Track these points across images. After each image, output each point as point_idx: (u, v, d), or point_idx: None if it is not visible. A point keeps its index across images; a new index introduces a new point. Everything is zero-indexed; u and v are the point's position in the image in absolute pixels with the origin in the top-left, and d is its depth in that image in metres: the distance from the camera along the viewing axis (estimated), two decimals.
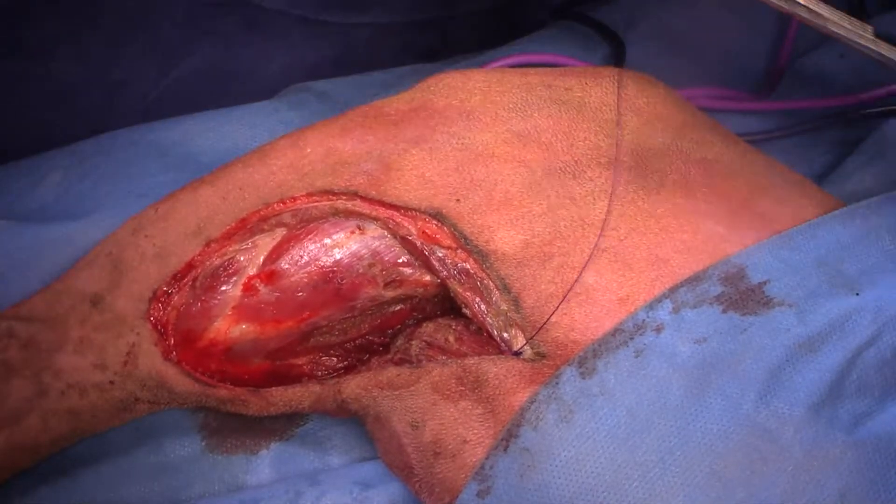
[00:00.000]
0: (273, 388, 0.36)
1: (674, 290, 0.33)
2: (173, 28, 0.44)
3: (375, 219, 0.36)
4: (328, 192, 0.37)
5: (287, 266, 0.36)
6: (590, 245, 0.34)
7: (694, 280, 0.33)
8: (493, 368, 0.33)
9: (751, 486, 0.29)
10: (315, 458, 0.38)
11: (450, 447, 0.33)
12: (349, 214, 0.37)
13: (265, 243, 0.37)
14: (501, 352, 0.34)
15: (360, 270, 0.36)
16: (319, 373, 0.37)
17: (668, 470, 0.29)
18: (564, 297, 0.33)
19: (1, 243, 0.39)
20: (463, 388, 0.33)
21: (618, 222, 0.35)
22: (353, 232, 0.37)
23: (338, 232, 0.37)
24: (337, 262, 0.36)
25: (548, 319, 0.33)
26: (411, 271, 0.37)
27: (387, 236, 0.37)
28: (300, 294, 0.36)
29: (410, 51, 0.52)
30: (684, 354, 0.31)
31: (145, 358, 0.36)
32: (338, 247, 0.36)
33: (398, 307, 0.37)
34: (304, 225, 0.37)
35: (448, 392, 0.33)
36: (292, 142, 0.38)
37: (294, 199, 0.37)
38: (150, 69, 0.46)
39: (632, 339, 0.32)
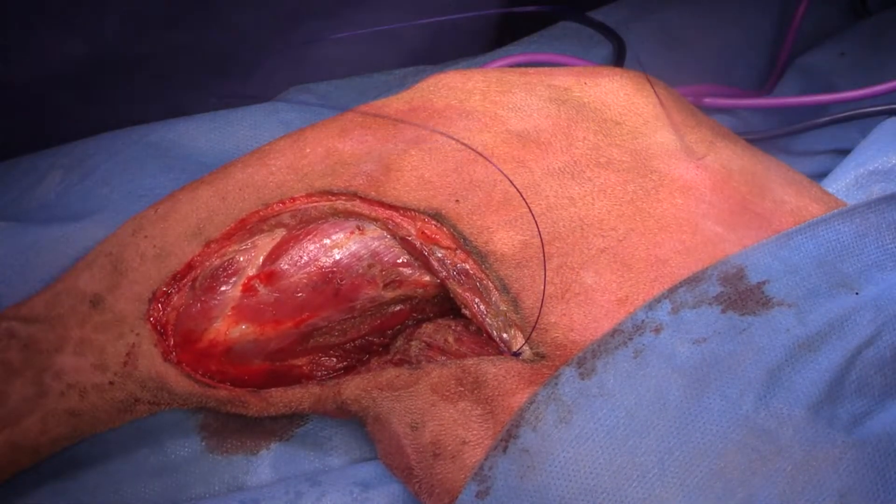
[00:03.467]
0: (273, 389, 0.36)
1: (673, 290, 0.33)
2: None
3: (375, 219, 0.36)
4: (327, 193, 0.37)
5: (286, 267, 0.36)
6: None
7: (693, 280, 0.33)
8: (493, 369, 0.33)
9: (750, 486, 0.29)
10: (315, 459, 0.38)
11: (449, 448, 0.33)
12: (349, 215, 0.36)
13: (265, 244, 0.37)
14: (501, 352, 0.34)
15: (360, 271, 0.36)
16: (319, 374, 0.37)
17: (667, 471, 0.29)
18: (544, 300, 0.33)
19: (1, 243, 0.39)
20: (462, 389, 0.33)
21: (616, 223, 0.35)
22: (352, 232, 0.37)
23: (337, 232, 0.37)
24: (336, 263, 0.36)
25: (538, 319, 0.33)
26: (411, 272, 0.37)
27: (386, 237, 0.36)
28: (299, 295, 0.36)
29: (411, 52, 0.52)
30: (683, 355, 0.31)
31: (145, 359, 0.36)
32: (337, 247, 0.36)
33: (398, 308, 0.37)
34: (303, 225, 0.37)
35: (447, 393, 0.33)
36: (292, 142, 0.38)
37: (293, 199, 0.37)
38: None
39: (631, 339, 0.32)
